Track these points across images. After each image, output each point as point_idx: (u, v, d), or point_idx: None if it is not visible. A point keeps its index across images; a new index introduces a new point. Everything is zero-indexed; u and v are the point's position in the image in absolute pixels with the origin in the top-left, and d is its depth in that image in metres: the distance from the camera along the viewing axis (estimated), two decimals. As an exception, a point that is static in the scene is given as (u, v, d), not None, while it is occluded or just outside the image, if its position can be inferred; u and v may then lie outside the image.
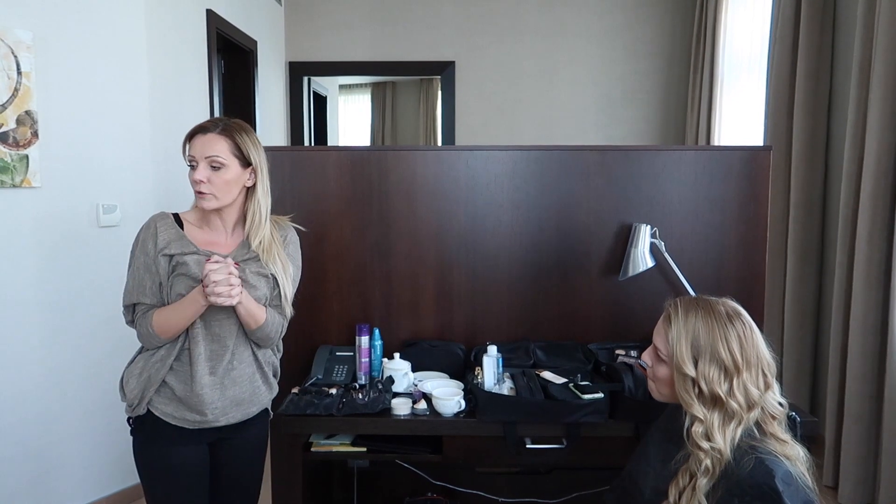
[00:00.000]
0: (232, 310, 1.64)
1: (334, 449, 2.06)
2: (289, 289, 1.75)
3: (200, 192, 1.63)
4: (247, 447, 1.80)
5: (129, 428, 1.72)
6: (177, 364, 1.67)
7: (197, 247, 1.66)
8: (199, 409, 1.65)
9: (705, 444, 1.28)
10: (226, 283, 1.55)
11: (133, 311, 1.67)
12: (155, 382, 1.65)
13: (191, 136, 1.65)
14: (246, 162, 1.67)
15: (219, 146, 1.63)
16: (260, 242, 1.71)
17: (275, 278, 1.72)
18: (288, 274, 1.75)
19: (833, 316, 2.87)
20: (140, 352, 1.72)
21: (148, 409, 1.66)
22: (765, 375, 1.33)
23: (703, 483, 1.28)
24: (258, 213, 1.70)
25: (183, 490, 1.69)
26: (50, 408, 2.59)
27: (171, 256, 1.63)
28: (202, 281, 1.56)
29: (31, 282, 2.51)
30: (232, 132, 1.65)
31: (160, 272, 1.63)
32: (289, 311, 1.78)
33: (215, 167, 1.63)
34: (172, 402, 1.66)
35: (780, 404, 1.35)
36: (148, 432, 1.68)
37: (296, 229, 1.86)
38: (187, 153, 1.65)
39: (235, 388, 1.70)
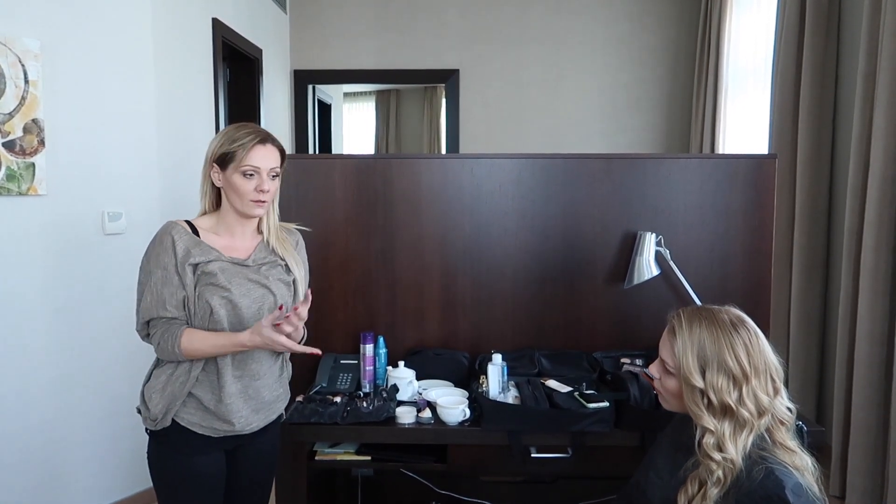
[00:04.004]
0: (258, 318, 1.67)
1: (338, 457, 2.05)
2: (302, 281, 1.79)
3: (260, 202, 1.65)
4: (262, 453, 1.79)
5: (148, 437, 1.70)
6: (202, 375, 1.65)
7: (220, 252, 1.66)
8: (227, 419, 1.65)
9: (717, 456, 1.27)
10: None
11: (148, 326, 1.66)
12: (181, 396, 1.63)
13: (250, 145, 1.63)
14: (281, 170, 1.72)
15: (276, 156, 1.68)
16: (277, 242, 1.75)
17: (294, 283, 1.76)
18: (302, 276, 1.78)
19: (839, 324, 2.85)
20: (157, 365, 1.69)
21: (173, 420, 1.64)
22: (773, 381, 1.33)
23: (713, 493, 1.27)
24: (275, 213, 1.76)
25: (201, 498, 1.68)
26: (56, 414, 2.59)
27: (196, 265, 1.62)
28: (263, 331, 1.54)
29: (37, 289, 2.52)
30: (279, 143, 1.70)
31: (185, 284, 1.61)
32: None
33: (273, 178, 1.67)
34: (199, 411, 1.65)
35: (789, 409, 1.34)
36: (172, 442, 1.66)
37: (302, 231, 1.89)
38: (247, 162, 1.62)
39: (260, 397, 1.71)
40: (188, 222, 1.69)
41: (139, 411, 1.70)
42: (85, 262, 2.66)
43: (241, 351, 1.64)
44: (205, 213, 1.74)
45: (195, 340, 1.60)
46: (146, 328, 1.66)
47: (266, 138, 1.67)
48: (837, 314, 2.90)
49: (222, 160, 1.64)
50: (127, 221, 2.76)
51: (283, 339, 1.55)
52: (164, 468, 1.69)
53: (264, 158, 1.65)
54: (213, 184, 1.69)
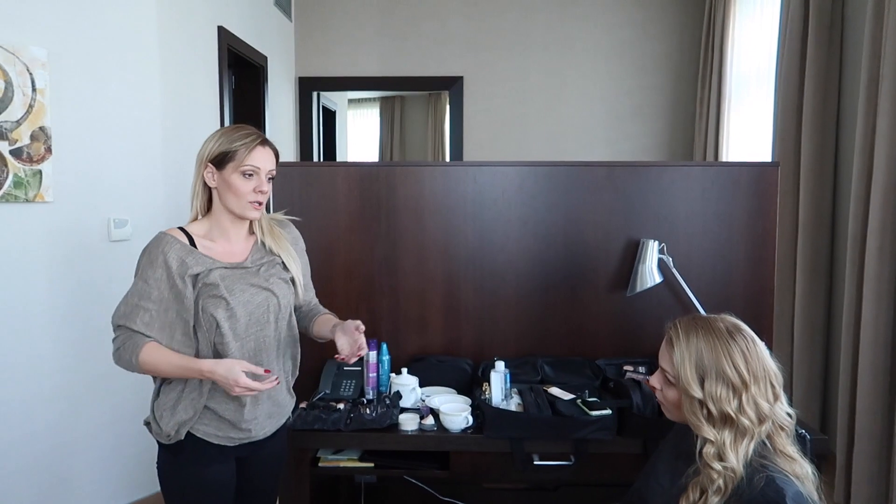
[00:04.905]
0: (270, 324, 1.68)
1: (342, 464, 2.06)
2: (300, 277, 1.79)
3: (258, 203, 1.65)
4: (271, 457, 1.79)
5: (158, 447, 1.67)
6: (215, 385, 1.61)
7: (217, 259, 1.64)
8: (245, 427, 1.65)
9: (718, 466, 1.27)
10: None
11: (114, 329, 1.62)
12: (198, 411, 1.61)
13: (252, 146, 1.63)
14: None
15: (273, 159, 1.69)
16: (272, 240, 1.75)
17: (292, 280, 1.77)
18: (299, 271, 1.79)
19: (843, 331, 2.85)
20: (166, 381, 1.65)
21: (187, 433, 1.62)
22: (773, 387, 1.33)
23: (714, 501, 1.27)
24: (266, 216, 1.76)
25: None
26: (61, 420, 2.60)
27: (197, 276, 1.60)
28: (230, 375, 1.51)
29: (43, 295, 2.53)
30: (274, 146, 1.72)
31: (185, 296, 1.58)
32: (312, 293, 1.89)
33: (270, 180, 1.68)
34: (215, 421, 1.63)
35: (789, 415, 1.34)
36: (188, 454, 1.63)
37: (293, 223, 1.90)
38: (249, 162, 1.62)
39: (273, 400, 1.71)
40: (182, 229, 1.66)
41: (147, 425, 1.68)
42: (91, 269, 2.67)
43: (199, 378, 1.58)
44: (196, 219, 1.71)
45: (157, 357, 1.56)
46: (115, 331, 1.62)
47: (265, 140, 1.68)
48: (841, 321, 2.90)
49: (220, 160, 1.63)
50: (132, 228, 2.78)
51: (249, 384, 1.51)
52: (178, 479, 1.66)
53: (264, 159, 1.65)
54: (204, 185, 1.67)
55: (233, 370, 1.51)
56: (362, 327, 1.66)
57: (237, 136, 1.65)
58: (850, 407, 2.81)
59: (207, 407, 1.62)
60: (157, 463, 1.69)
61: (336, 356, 1.65)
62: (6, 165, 2.37)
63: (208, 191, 1.69)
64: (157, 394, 1.68)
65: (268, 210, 1.86)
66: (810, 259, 3.17)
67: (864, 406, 2.68)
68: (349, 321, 1.70)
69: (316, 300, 1.93)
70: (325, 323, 1.81)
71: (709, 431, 1.30)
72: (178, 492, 1.68)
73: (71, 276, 2.61)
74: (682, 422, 1.42)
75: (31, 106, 2.43)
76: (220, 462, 1.66)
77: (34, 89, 2.43)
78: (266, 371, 1.57)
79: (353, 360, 1.66)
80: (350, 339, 1.66)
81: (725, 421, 1.29)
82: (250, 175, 1.63)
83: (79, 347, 2.64)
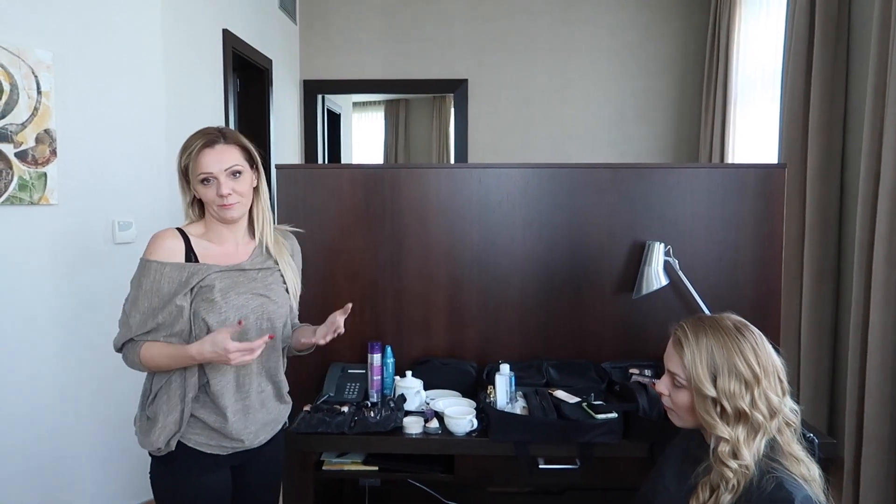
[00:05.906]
0: (271, 331, 1.66)
1: (345, 467, 2.05)
2: (295, 290, 1.76)
3: (228, 205, 1.59)
4: (268, 462, 1.76)
5: (151, 457, 1.64)
6: (203, 396, 1.60)
7: (214, 265, 1.61)
8: (237, 437, 1.62)
9: (733, 464, 1.27)
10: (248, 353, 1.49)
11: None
12: (184, 422, 1.58)
13: (195, 152, 1.58)
14: (251, 162, 1.65)
15: (233, 154, 1.60)
16: (271, 243, 1.71)
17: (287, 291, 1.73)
18: (294, 286, 1.75)
19: (851, 335, 2.82)
20: (152, 401, 1.62)
21: (179, 442, 1.59)
22: (781, 381, 1.33)
23: (726, 499, 1.26)
24: (265, 210, 1.70)
25: None
26: (63, 423, 2.60)
27: (192, 287, 1.57)
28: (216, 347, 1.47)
29: (48, 298, 2.54)
30: (236, 138, 1.64)
31: (184, 310, 1.57)
32: (296, 314, 1.83)
33: (236, 176, 1.60)
34: (206, 431, 1.61)
35: (794, 411, 1.34)
36: (180, 464, 1.60)
37: (297, 234, 1.86)
38: (198, 170, 1.57)
39: (264, 411, 1.68)
40: (180, 230, 1.64)
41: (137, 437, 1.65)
42: (95, 271, 2.68)
43: (195, 363, 1.56)
44: (194, 222, 1.68)
45: (153, 352, 1.56)
46: (122, 343, 1.62)
47: (214, 140, 1.59)
48: (849, 324, 2.88)
49: (186, 173, 1.61)
50: (137, 230, 2.78)
51: (241, 345, 1.46)
52: (172, 489, 1.64)
53: (215, 162, 1.57)
54: (194, 197, 1.65)
55: (217, 340, 1.46)
56: (348, 308, 1.70)
57: (188, 142, 1.60)
58: (857, 410, 2.79)
59: (195, 416, 1.60)
60: (150, 474, 1.66)
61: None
62: (11, 168, 2.37)
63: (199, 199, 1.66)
64: (142, 406, 1.65)
65: (273, 212, 1.83)
66: (817, 261, 3.15)
67: (872, 410, 2.66)
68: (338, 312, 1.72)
69: (297, 320, 1.85)
70: (305, 330, 1.79)
71: (723, 429, 1.29)
72: (172, 502, 1.65)
73: (75, 279, 2.62)
74: (691, 426, 1.41)
75: (36, 108, 2.43)
76: (213, 471, 1.63)
77: (39, 92, 2.44)
78: (240, 323, 1.52)
79: (326, 340, 1.70)
80: (330, 324, 1.69)
81: (739, 417, 1.29)
82: (207, 181, 1.58)
83: (83, 349, 2.64)
